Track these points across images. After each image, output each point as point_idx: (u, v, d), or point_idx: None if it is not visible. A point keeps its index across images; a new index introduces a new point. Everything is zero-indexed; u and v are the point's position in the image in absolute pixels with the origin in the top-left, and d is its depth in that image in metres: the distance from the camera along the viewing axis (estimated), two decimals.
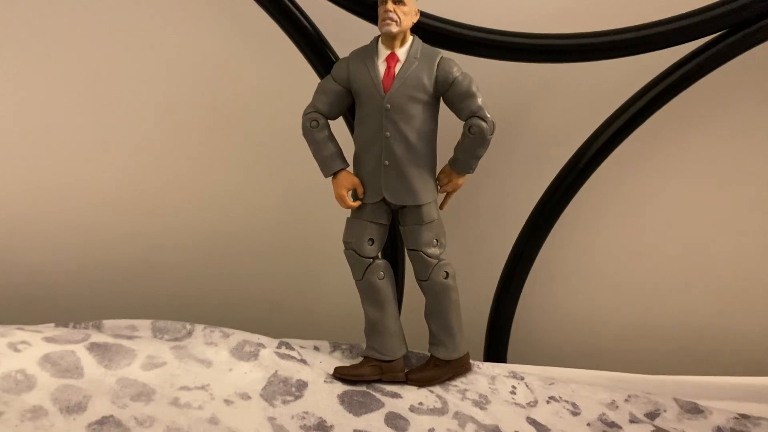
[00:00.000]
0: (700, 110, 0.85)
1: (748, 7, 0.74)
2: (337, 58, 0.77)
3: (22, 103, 0.89)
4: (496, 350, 0.87)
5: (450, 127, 0.72)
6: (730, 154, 0.87)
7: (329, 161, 0.72)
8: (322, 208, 0.79)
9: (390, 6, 0.68)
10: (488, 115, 0.69)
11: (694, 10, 0.75)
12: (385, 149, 0.70)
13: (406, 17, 0.69)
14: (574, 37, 0.76)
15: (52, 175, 0.91)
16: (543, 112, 0.86)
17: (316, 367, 0.74)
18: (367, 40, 0.72)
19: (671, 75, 0.77)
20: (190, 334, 0.77)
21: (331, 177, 0.72)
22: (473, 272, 0.86)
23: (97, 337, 0.73)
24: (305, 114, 0.72)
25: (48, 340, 0.71)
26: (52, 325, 0.78)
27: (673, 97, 0.78)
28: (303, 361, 0.75)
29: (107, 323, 0.78)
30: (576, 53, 0.77)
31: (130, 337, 0.75)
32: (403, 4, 0.68)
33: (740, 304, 0.91)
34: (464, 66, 0.70)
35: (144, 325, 0.79)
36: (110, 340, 0.73)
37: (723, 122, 0.86)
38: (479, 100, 0.69)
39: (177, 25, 0.86)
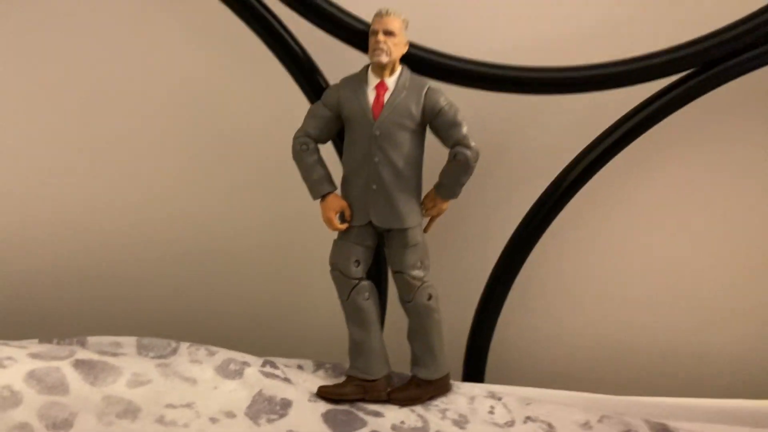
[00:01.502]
0: (676, 141, 0.88)
1: (717, 46, 0.78)
2: (327, 84, 0.79)
3: (6, 114, 0.89)
4: (474, 370, 0.88)
5: (435, 154, 0.74)
6: (707, 179, 0.90)
7: (318, 184, 0.74)
8: (309, 229, 0.80)
9: (381, 37, 0.70)
10: (472, 144, 0.72)
11: (664, 50, 0.78)
12: (373, 174, 0.72)
13: (396, 48, 0.71)
14: (550, 71, 0.79)
15: (35, 189, 0.91)
16: (522, 142, 0.88)
17: (300, 386, 0.75)
18: (356, 68, 0.74)
19: (646, 108, 0.80)
20: (175, 351, 0.78)
21: (319, 200, 0.74)
22: (453, 294, 0.87)
23: (82, 354, 0.73)
24: (295, 138, 0.74)
25: (33, 356, 0.71)
26: (36, 340, 0.78)
27: (647, 130, 0.81)
28: (287, 380, 0.76)
29: (91, 340, 0.78)
30: (552, 86, 0.80)
31: (115, 354, 0.75)
32: (394, 35, 0.71)
33: (711, 328, 0.94)
34: (450, 95, 0.73)
35: (129, 342, 0.79)
36: (95, 357, 0.73)
37: (700, 151, 0.89)
38: (464, 130, 0.72)
39: (169, 47, 0.87)
